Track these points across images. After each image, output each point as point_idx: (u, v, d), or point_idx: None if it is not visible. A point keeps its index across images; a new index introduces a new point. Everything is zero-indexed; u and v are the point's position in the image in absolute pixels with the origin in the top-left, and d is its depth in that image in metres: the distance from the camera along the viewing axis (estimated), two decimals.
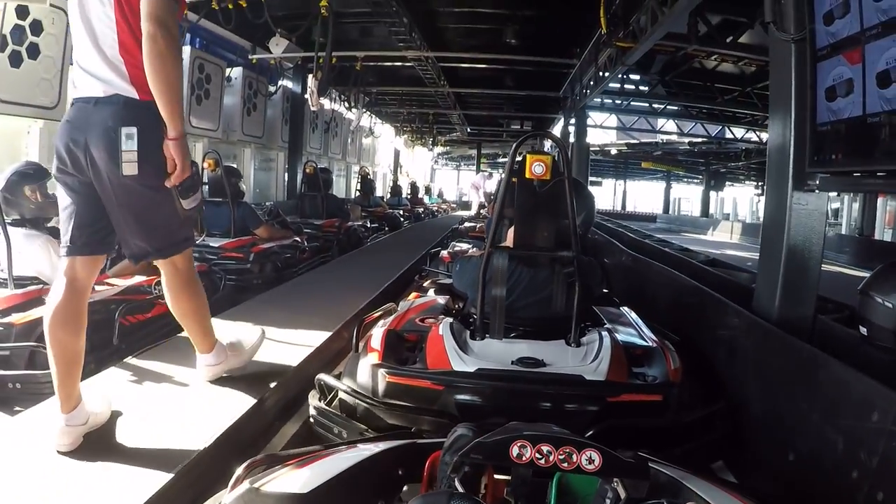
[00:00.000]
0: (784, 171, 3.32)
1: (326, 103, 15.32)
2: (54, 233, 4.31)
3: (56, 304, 2.55)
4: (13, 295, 3.91)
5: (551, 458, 1.34)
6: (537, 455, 1.35)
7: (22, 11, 6.65)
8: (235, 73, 11.90)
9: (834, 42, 2.92)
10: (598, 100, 16.34)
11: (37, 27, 6.86)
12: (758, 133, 20.55)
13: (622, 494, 1.37)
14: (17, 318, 3.71)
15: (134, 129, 2.41)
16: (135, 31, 2.40)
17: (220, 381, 3.31)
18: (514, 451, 1.35)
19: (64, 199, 2.58)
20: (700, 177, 39.00)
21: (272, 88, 13.28)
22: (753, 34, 9.63)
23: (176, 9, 2.44)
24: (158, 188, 2.52)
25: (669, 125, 23.86)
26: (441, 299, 3.73)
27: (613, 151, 32.94)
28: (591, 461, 1.34)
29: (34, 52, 6.86)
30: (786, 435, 2.55)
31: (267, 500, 1.58)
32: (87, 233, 2.57)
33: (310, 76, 10.61)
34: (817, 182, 3.18)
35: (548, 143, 17.13)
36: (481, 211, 13.66)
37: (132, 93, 2.45)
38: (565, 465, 1.34)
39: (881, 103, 2.60)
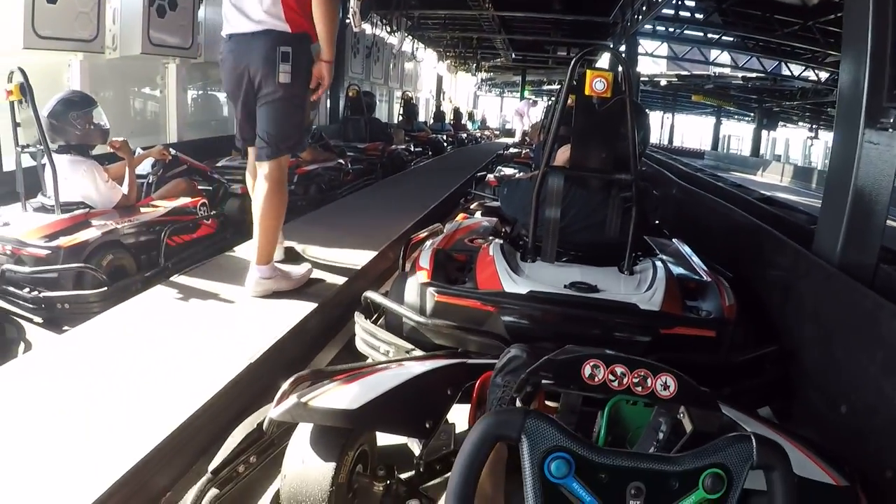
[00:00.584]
0: (857, 105, 3.11)
1: (368, 27, 15.07)
2: (99, 159, 4.48)
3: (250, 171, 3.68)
4: (60, 220, 4.02)
5: (625, 380, 1.28)
6: (610, 377, 1.28)
7: None
8: None
9: None
10: (650, 26, 15.90)
11: None
12: (817, 71, 19.77)
13: (687, 427, 1.29)
14: (64, 240, 3.82)
15: (290, 50, 3.15)
16: None
17: (265, 299, 3.33)
18: (587, 371, 1.29)
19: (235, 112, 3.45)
20: (752, 114, 38.00)
21: None
22: None
23: None
24: (299, 99, 3.29)
25: (723, 57, 23.07)
26: (488, 221, 3.67)
27: (663, 82, 32.16)
28: (665, 387, 1.27)
29: None
30: (840, 386, 2.45)
31: (314, 414, 1.58)
32: (242, 132, 3.47)
33: None
34: (892, 120, 3.00)
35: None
36: (525, 138, 13.45)
37: (285, 28, 3.16)
38: (639, 388, 1.27)
39: None
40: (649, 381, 1.27)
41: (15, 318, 3.53)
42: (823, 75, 19.08)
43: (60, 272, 3.66)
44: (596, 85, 2.64)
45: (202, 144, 8.51)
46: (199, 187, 5.52)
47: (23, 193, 4.23)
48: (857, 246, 3.08)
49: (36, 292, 3.57)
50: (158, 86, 9.16)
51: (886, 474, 2.01)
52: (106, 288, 3.63)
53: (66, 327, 3.29)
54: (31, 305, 3.56)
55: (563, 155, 2.92)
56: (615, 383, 1.28)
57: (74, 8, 6.90)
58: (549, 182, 2.72)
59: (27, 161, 4.31)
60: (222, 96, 11.04)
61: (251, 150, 3.51)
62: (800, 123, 37.40)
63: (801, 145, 37.99)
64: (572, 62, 2.85)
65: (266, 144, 3.28)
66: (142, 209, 4.60)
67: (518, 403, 1.38)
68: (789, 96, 28.74)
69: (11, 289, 3.63)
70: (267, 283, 3.39)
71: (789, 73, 22.49)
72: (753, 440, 1.09)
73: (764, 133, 37.22)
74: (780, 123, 38.64)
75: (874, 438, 2.17)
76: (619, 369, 1.28)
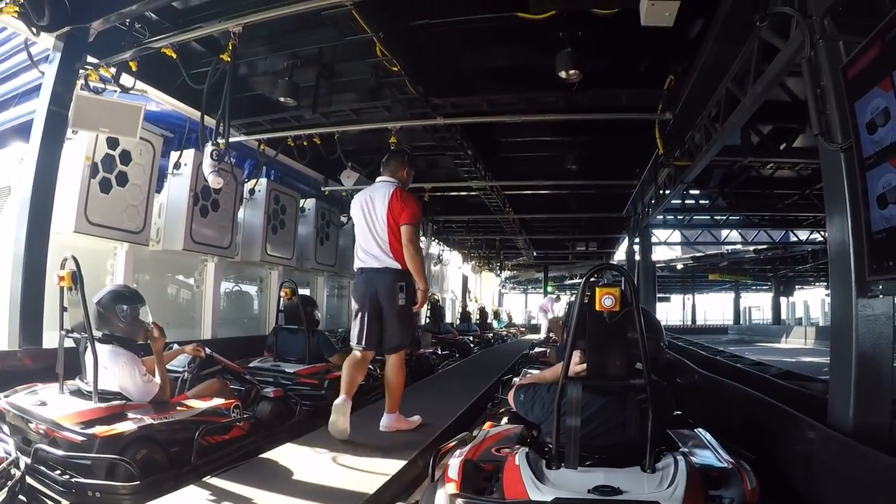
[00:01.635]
0: (846, 278, 3.35)
1: None
2: (139, 351, 4.62)
3: (355, 361, 5.19)
4: (98, 408, 4.12)
5: None
6: None
7: (112, 142, 7.25)
8: (309, 204, 12.28)
9: (879, 150, 3.01)
10: (661, 217, 16.38)
11: (126, 157, 7.45)
12: (822, 233, 20.20)
13: None
14: (100, 430, 3.87)
15: (403, 283, 5.11)
16: (397, 238, 5.07)
17: None
18: None
19: (358, 320, 5.19)
20: (769, 283, 38.26)
21: (344, 219, 13.70)
22: (806, 138, 9.67)
23: (419, 231, 4.96)
24: (410, 312, 5.25)
25: (733, 235, 23.75)
26: (516, 428, 3.70)
27: (679, 266, 32.65)
28: None
29: (123, 179, 7.42)
30: None
31: None
32: (368, 337, 5.15)
33: None
34: (880, 287, 3.20)
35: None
36: (550, 335, 13.53)
37: (397, 266, 5.10)
38: None
39: None
40: None
41: (43, 498, 3.52)
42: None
43: (95, 461, 3.68)
44: (605, 301, 2.87)
45: (235, 342, 8.78)
46: (232, 387, 5.61)
47: (61, 375, 4.37)
48: (868, 408, 3.21)
49: (68, 476, 3.57)
50: (196, 281, 9.53)
51: None
52: (138, 482, 3.63)
53: None
54: (61, 489, 3.54)
55: (577, 365, 3.07)
56: None
57: (125, 200, 7.45)
58: (569, 392, 2.88)
59: (68, 343, 4.48)
60: (255, 293, 11.58)
61: (362, 353, 5.21)
62: (815, 284, 37.54)
63: (819, 304, 37.80)
64: (582, 282, 3.07)
65: (395, 341, 5.17)
66: (177, 406, 4.66)
67: None
68: (801, 260, 29.11)
69: (43, 468, 3.62)
70: (394, 423, 5.34)
71: (797, 239, 22.95)
72: None
73: (783, 299, 37.21)
74: (797, 287, 38.79)
75: None
76: None
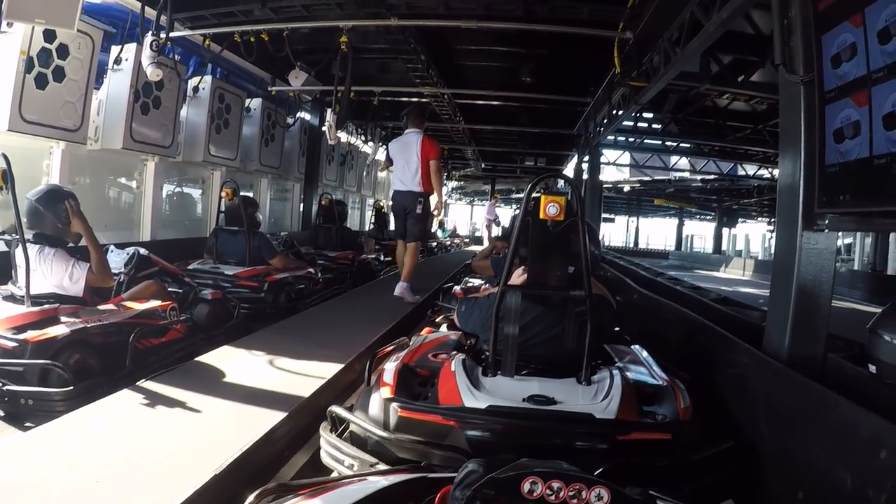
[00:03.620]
0: (794, 211, 3.35)
1: (343, 136, 15.46)
2: (71, 251, 4.48)
3: (398, 248, 7.89)
4: (29, 312, 3.98)
5: (561, 494, 1.38)
6: (548, 491, 1.38)
7: (49, 35, 6.81)
8: (255, 104, 11.98)
9: (841, 84, 2.97)
10: (612, 137, 16.46)
11: (63, 51, 7.02)
12: (770, 170, 20.61)
13: None
14: (32, 335, 3.76)
15: (421, 199, 7.40)
16: (426, 171, 7.32)
17: (230, 408, 3.38)
18: (526, 486, 1.39)
19: (394, 221, 8.28)
20: (712, 213, 39.10)
21: (290, 120, 13.40)
22: (765, 73, 9.72)
23: (442, 164, 6.73)
24: (427, 215, 7.51)
25: (682, 162, 24.03)
26: (454, 335, 3.73)
27: (626, 189, 33.07)
28: (599, 498, 1.37)
29: (60, 75, 7.01)
30: (796, 473, 2.57)
31: None
32: (399, 231, 7.80)
33: (328, 110, 10.76)
34: (826, 222, 3.21)
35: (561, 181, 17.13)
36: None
37: (420, 189, 7.37)
38: (575, 501, 1.37)
39: (888, 145, 2.63)
40: (584, 493, 1.37)
41: None
42: (776, 173, 19.78)
43: (26, 367, 3.58)
44: (549, 209, 2.83)
45: (175, 244, 8.65)
46: (170, 289, 5.52)
47: None
48: (804, 340, 3.24)
49: (0, 383, 3.48)
50: (136, 182, 9.27)
51: None
52: (71, 387, 3.54)
53: (27, 423, 3.30)
54: None
55: (519, 273, 3.07)
56: (552, 497, 1.38)
57: (62, 97, 7.09)
58: (507, 300, 2.85)
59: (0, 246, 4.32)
60: (197, 195, 11.38)
61: (400, 241, 7.79)
62: (758, 219, 38.44)
63: (760, 239, 38.94)
64: (528, 188, 3.04)
65: (413, 235, 7.52)
66: (112, 307, 4.56)
67: None
68: (747, 194, 29.66)
69: None
70: (403, 292, 7.45)
71: (745, 173, 23.35)
72: None
73: (725, 230, 38.17)
74: (740, 220, 39.73)
75: None
76: (555, 484, 1.38)
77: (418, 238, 7.62)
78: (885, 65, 2.65)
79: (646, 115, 15.55)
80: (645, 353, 3.55)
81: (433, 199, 7.54)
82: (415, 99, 13.46)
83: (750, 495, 2.86)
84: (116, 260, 5.47)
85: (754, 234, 40.44)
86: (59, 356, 3.76)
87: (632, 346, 3.71)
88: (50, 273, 4.30)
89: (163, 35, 6.12)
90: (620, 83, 9.52)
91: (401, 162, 7.48)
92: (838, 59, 2.99)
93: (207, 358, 4.38)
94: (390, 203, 8.10)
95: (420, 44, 10.28)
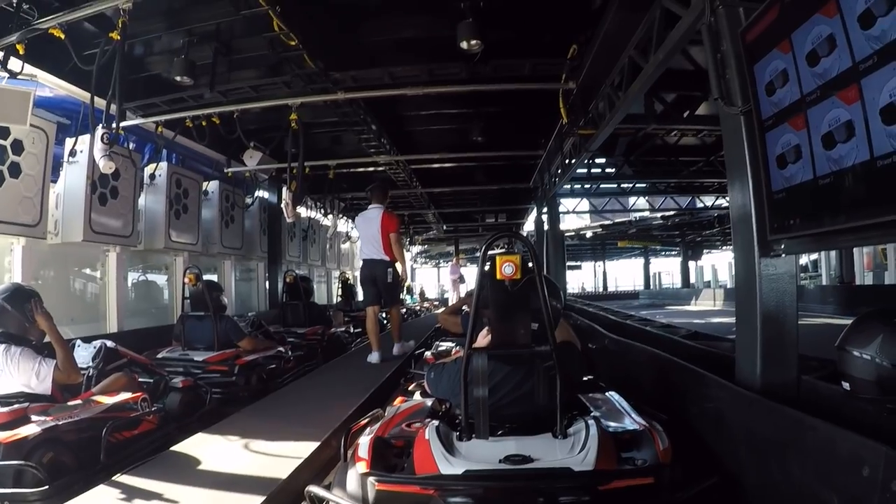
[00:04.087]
0: (749, 239, 3.43)
1: (303, 211, 15.49)
2: (38, 349, 4.44)
3: (369, 316, 8.27)
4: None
5: None
6: None
7: (3, 131, 6.80)
8: (212, 186, 11.98)
9: (778, 111, 3.09)
10: (568, 186, 16.70)
11: (17, 146, 7.01)
12: (726, 199, 20.91)
13: None
14: (3, 436, 3.70)
15: (391, 269, 7.96)
16: (387, 243, 7.89)
17: (207, 496, 3.34)
18: None
19: (364, 289, 8.46)
20: (677, 248, 39.58)
21: (249, 200, 13.39)
22: (709, 105, 9.96)
23: (403, 238, 10.42)
24: (397, 284, 8.13)
25: (640, 202, 24.30)
26: (427, 402, 3.72)
27: (589, 234, 33.35)
28: None
29: (16, 171, 6.98)
30: (782, 501, 2.57)
31: None
32: (368, 298, 8.30)
33: (284, 188, 10.80)
34: (782, 246, 3.27)
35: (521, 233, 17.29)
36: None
37: (387, 258, 7.93)
38: None
39: (829, 164, 2.72)
40: None
41: None
42: None
43: (0, 468, 3.52)
44: (505, 269, 2.86)
45: (143, 334, 8.53)
46: (140, 380, 5.44)
47: None
48: (775, 366, 3.31)
49: None
50: (100, 273, 9.16)
51: None
52: (47, 486, 3.49)
53: None
54: None
55: (484, 335, 3.08)
56: None
57: (19, 192, 7.03)
58: (474, 363, 2.85)
59: None
60: (162, 281, 11.30)
61: (370, 308, 8.25)
62: (723, 248, 39.01)
63: (727, 268, 39.41)
64: (482, 250, 3.07)
65: (391, 300, 8.30)
66: (82, 404, 4.48)
67: None
68: (708, 225, 30.10)
69: None
70: (400, 349, 8.44)
71: (703, 205, 23.79)
72: None
73: (691, 263, 38.59)
74: (705, 251, 40.31)
75: None
76: None
77: (396, 301, 8.54)
78: (817, 86, 2.75)
79: (598, 160, 15.83)
80: (620, 399, 3.59)
81: (399, 268, 8.04)
82: (370, 169, 13.65)
83: None
84: (84, 354, 5.40)
85: (720, 264, 40.90)
86: (32, 456, 3.70)
87: (606, 393, 3.74)
88: (17, 372, 4.26)
89: (114, 125, 6.11)
90: (569, 132, 9.69)
91: (366, 235, 8.15)
92: (772, 87, 3.11)
93: (182, 447, 4.32)
94: (356, 274, 8.45)
95: (369, 115, 10.42)
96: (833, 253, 22.51)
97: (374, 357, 8.01)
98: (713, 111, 9.97)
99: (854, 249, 19.85)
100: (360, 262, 8.40)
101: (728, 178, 3.81)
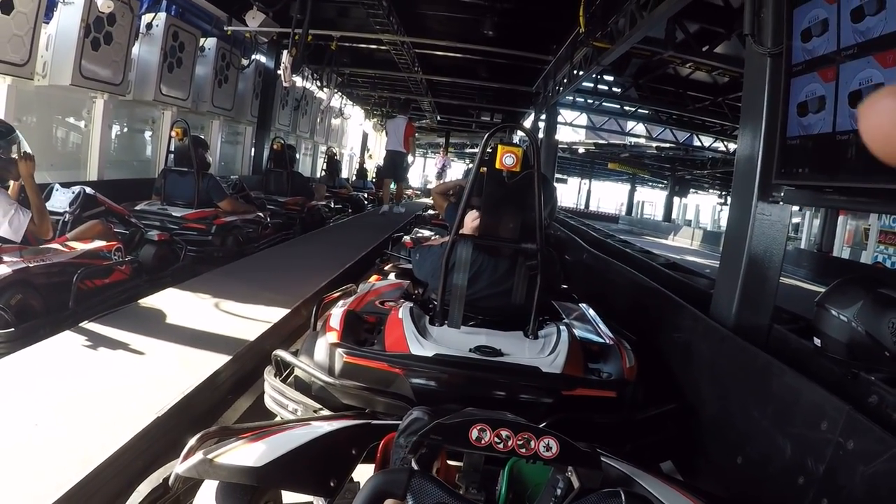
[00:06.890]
0: (750, 180, 3.38)
1: (298, 81, 15.16)
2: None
3: (386, 184, 13.83)
4: None
5: (510, 442, 1.37)
6: (496, 439, 1.37)
7: None
8: (209, 43, 11.59)
9: (810, 59, 2.98)
10: (570, 98, 16.39)
11: None
12: (725, 143, 20.79)
13: (575, 484, 1.39)
14: None
15: (406, 155, 13.16)
16: (407, 141, 12.84)
17: (174, 351, 3.34)
18: (474, 434, 1.37)
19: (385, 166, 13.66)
20: (665, 182, 39.40)
21: (245, 62, 13.05)
22: (729, 45, 9.73)
23: (414, 136, 14.54)
24: (407, 167, 14.04)
25: (639, 128, 24.08)
26: (402, 283, 3.73)
27: (581, 150, 33.00)
28: (548, 448, 1.36)
29: (7, 7, 6.64)
30: (736, 439, 2.62)
31: (220, 471, 1.57)
32: (385, 172, 13.93)
33: (284, 52, 10.52)
34: (782, 194, 3.25)
35: (517, 137, 17.10)
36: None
37: (404, 151, 12.91)
38: (523, 450, 1.36)
39: (851, 122, 2.64)
40: (532, 443, 1.37)
41: None
42: (732, 146, 20.00)
43: None
44: (506, 160, 2.80)
45: (123, 185, 8.39)
46: (116, 230, 5.41)
47: None
48: (751, 309, 3.31)
49: None
50: (84, 119, 8.92)
51: None
52: (13, 329, 3.51)
53: None
54: None
55: (472, 223, 3.03)
56: (500, 445, 1.37)
57: (9, 30, 6.72)
58: (458, 250, 2.84)
59: None
60: (146, 135, 11.06)
61: (387, 180, 13.48)
62: (710, 191, 38.93)
63: (710, 211, 39.55)
64: (485, 137, 3.01)
65: (401, 177, 13.75)
66: (56, 247, 4.47)
67: (413, 463, 1.45)
68: (700, 165, 29.80)
69: None
70: (397, 209, 13.25)
71: (700, 144, 23.54)
72: (622, 496, 1.21)
73: (676, 199, 38.54)
74: (692, 190, 40.13)
75: (768, 485, 2.33)
76: (504, 433, 1.37)
77: (405, 179, 12.83)
78: (855, 42, 2.65)
79: (606, 77, 15.51)
80: (592, 312, 3.59)
81: (410, 158, 12.58)
82: (373, 46, 13.44)
83: (689, 457, 2.93)
84: (61, 199, 5.35)
85: (705, 206, 41.00)
86: (0, 297, 3.69)
87: (579, 304, 3.75)
88: None
89: None
90: (584, 43, 9.43)
91: (393, 133, 12.83)
92: (808, 34, 2.99)
93: (152, 300, 4.32)
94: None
95: None
96: (817, 220, 22.58)
97: (385, 208, 13.03)
98: (733, 52, 9.77)
99: (839, 221, 19.91)
100: (386, 151, 13.08)
101: (742, 116, 3.72)
